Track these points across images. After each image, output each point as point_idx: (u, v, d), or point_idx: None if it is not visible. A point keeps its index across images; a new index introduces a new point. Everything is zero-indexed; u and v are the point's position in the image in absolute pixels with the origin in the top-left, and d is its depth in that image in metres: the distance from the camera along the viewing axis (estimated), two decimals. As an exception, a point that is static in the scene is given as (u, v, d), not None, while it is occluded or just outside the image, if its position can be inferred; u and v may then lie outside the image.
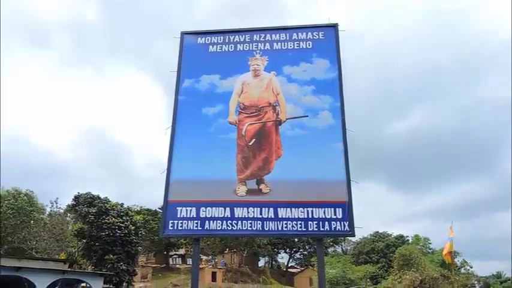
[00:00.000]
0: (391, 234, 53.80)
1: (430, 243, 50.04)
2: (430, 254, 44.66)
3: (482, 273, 54.21)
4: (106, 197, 34.40)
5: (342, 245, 64.53)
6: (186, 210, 7.46)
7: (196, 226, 7.33)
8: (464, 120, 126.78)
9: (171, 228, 7.36)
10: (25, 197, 36.69)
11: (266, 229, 7.40)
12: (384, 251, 48.12)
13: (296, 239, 60.40)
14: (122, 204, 35.44)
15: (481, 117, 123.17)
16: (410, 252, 35.86)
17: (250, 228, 7.39)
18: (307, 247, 62.44)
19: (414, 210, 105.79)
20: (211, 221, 7.37)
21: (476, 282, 49.62)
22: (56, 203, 41.52)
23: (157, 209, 49.41)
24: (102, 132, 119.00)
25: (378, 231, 55.24)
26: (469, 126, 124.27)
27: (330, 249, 60.38)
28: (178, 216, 7.42)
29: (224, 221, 7.38)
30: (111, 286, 29.66)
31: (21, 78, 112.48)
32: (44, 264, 25.15)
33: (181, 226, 7.35)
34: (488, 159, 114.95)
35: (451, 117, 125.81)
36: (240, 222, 7.40)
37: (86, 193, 34.33)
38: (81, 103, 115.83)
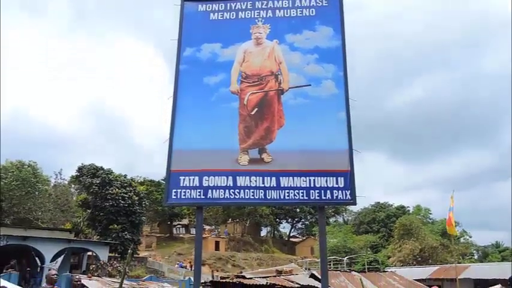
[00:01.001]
0: (392, 205, 54.31)
1: (430, 214, 50.64)
2: (431, 224, 45.24)
3: (481, 243, 55.02)
4: (109, 168, 34.72)
5: (343, 215, 65.34)
6: (189, 179, 7.45)
7: (199, 195, 7.34)
8: (466, 92, 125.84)
9: (174, 197, 7.37)
10: (29, 168, 37.02)
11: (268, 198, 7.41)
12: (384, 221, 48.69)
13: (298, 209, 61.13)
14: (125, 176, 35.79)
15: (483, 89, 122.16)
16: (411, 222, 36.35)
17: (253, 197, 7.39)
18: (308, 217, 63.23)
19: (415, 180, 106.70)
20: (214, 190, 7.37)
21: (475, 251, 50.46)
22: (60, 174, 41.99)
23: (161, 180, 49.87)
24: (103, 104, 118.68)
25: (379, 202, 55.72)
26: (470, 98, 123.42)
27: (331, 219, 61.17)
28: (181, 185, 7.42)
29: (227, 190, 7.37)
30: (116, 255, 30.31)
31: (19, 49, 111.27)
32: (50, 233, 25.66)
33: (184, 195, 7.36)
34: (489, 130, 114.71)
35: (452, 89, 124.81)
36: (242, 191, 7.39)
37: (90, 164, 34.63)
38: (81, 74, 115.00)
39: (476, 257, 47.54)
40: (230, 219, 58.80)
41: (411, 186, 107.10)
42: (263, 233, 66.23)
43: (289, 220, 65.94)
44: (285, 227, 69.36)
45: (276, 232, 68.63)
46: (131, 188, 33.84)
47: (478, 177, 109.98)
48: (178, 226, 61.41)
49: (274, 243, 61.76)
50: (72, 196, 41.44)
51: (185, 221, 60.53)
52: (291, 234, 68.37)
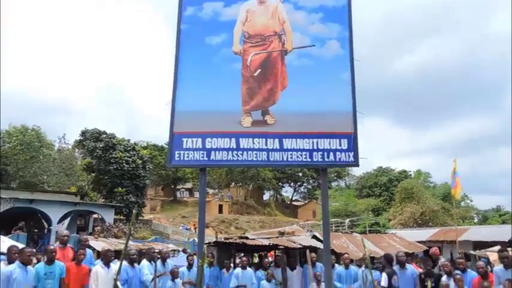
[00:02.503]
0: (394, 169, 54.50)
1: (430, 177, 51.00)
2: (431, 188, 45.59)
3: (482, 207, 55.64)
4: (112, 133, 34.82)
5: (345, 180, 65.93)
6: (192, 141, 7.40)
7: (202, 156, 7.32)
8: (471, 56, 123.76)
9: (178, 158, 7.35)
10: (33, 132, 37.17)
11: (271, 160, 7.38)
12: (386, 185, 48.99)
13: (300, 173, 61.63)
14: (128, 140, 35.92)
15: (489, 54, 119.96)
16: (412, 186, 36.57)
17: (256, 159, 7.37)
18: (311, 181, 63.86)
19: (417, 145, 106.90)
20: (217, 152, 7.34)
21: (475, 215, 51.09)
22: (64, 138, 42.15)
23: (164, 145, 50.09)
24: (104, 68, 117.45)
25: (381, 166, 55.87)
26: (475, 63, 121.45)
27: (334, 184, 61.75)
28: (184, 147, 7.38)
29: (230, 152, 7.34)
30: (121, 217, 30.88)
31: (18, 12, 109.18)
32: (56, 196, 26.03)
33: (187, 156, 7.33)
34: (493, 95, 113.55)
35: (457, 53, 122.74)
36: (245, 152, 7.36)
37: (93, 129, 34.73)
38: (81, 38, 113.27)
39: (476, 220, 48.19)
40: (233, 183, 59.45)
41: (413, 151, 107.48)
42: (266, 196, 67.16)
43: (292, 184, 66.64)
44: (287, 191, 70.29)
45: (278, 196, 69.54)
46: (135, 152, 34.07)
47: (479, 143, 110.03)
48: (182, 190, 62.19)
49: (277, 207, 62.73)
50: (77, 160, 41.77)
51: (189, 185, 61.24)
52: (293, 198, 69.30)
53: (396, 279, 8.13)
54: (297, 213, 60.54)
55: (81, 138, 34.76)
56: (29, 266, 5.86)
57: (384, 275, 7.98)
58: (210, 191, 56.42)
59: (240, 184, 58.92)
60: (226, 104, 7.69)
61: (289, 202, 68.40)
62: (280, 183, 64.45)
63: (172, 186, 57.97)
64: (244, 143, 7.42)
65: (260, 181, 56.86)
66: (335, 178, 63.03)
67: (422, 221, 31.76)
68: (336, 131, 7.50)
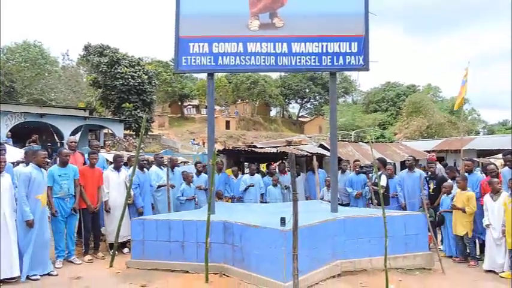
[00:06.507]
0: (402, 84, 53.55)
1: (440, 92, 50.36)
2: (440, 102, 45.30)
3: (489, 122, 55.63)
4: (116, 47, 34.16)
5: (352, 95, 65.50)
6: (198, 45, 7.23)
7: (210, 62, 7.20)
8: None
9: (185, 64, 7.23)
10: (36, 48, 36.58)
11: (280, 64, 7.26)
12: (393, 100, 48.36)
13: (307, 90, 61.22)
14: (132, 56, 35.32)
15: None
16: (421, 100, 36.32)
17: (264, 64, 7.24)
18: (317, 97, 63.59)
19: (427, 59, 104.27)
20: (224, 57, 7.20)
21: (481, 129, 51.28)
22: (67, 55, 41.58)
23: (169, 61, 49.37)
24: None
25: (389, 81, 54.82)
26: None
27: (341, 99, 61.39)
28: (191, 52, 7.23)
29: (237, 57, 7.20)
30: (131, 132, 31.45)
31: None
32: (65, 111, 26.31)
33: (194, 62, 7.22)
34: (508, 10, 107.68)
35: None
36: (253, 57, 7.22)
37: (96, 44, 34.10)
38: None
39: (482, 134, 48.48)
40: (240, 100, 59.47)
41: (423, 65, 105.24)
42: (272, 113, 67.51)
43: (298, 101, 66.52)
44: (294, 107, 70.44)
45: (285, 112, 69.82)
46: (140, 67, 33.68)
47: (491, 57, 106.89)
48: (189, 107, 62.48)
49: (283, 123, 63.33)
50: (82, 77, 41.59)
51: (195, 102, 61.37)
52: (300, 115, 69.59)
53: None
54: (303, 129, 61.18)
55: (85, 53, 34.22)
56: (42, 169, 5.98)
57: (383, 176, 8.32)
58: (217, 107, 56.60)
59: (247, 101, 58.93)
60: (233, 6, 7.37)
61: (295, 118, 68.82)
62: (286, 100, 64.33)
63: (180, 103, 58.14)
64: (251, 47, 7.24)
65: (267, 97, 56.76)
66: (342, 94, 62.55)
67: (428, 134, 32.02)
68: (346, 34, 7.25)
